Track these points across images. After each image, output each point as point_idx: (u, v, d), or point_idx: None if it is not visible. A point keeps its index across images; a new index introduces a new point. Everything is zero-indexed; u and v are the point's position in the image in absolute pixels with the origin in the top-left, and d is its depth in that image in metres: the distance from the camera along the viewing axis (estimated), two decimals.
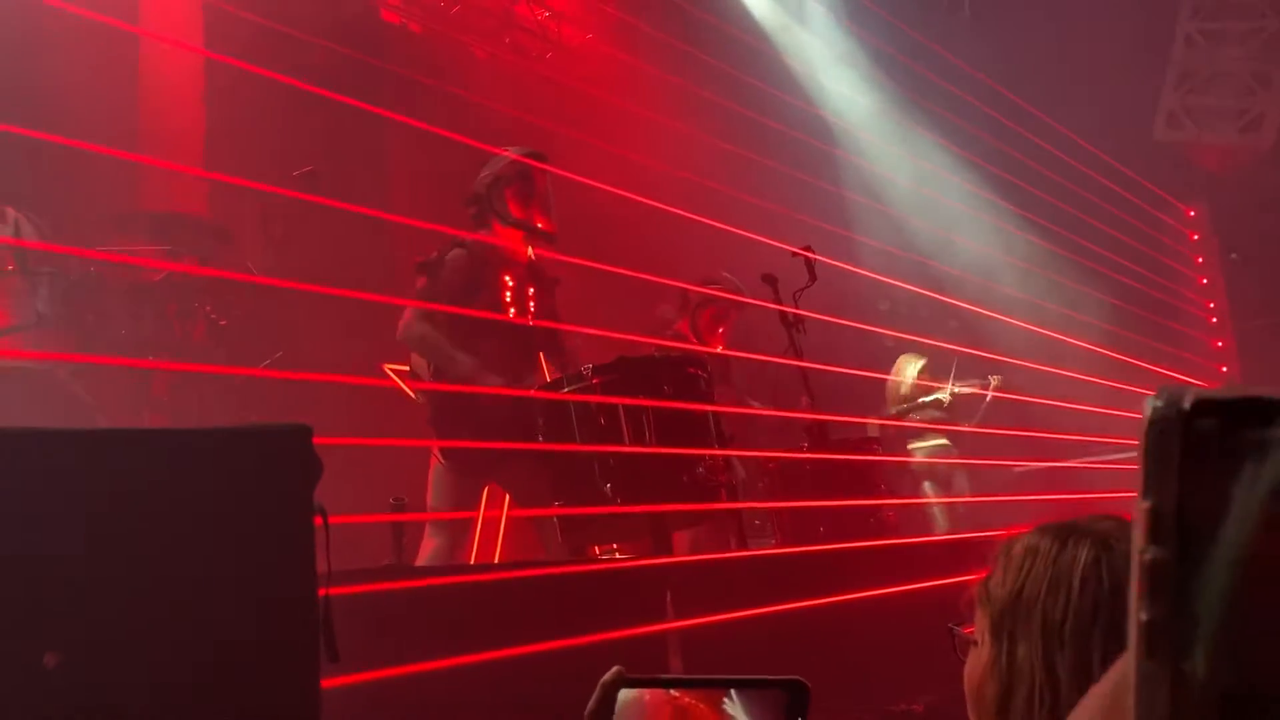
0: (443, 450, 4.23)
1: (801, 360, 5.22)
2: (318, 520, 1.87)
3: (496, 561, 4.84)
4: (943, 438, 6.72)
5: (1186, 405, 0.42)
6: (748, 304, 5.48)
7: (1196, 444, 0.42)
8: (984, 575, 1.23)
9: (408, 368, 4.57)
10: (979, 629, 1.22)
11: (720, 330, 5.58)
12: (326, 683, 1.85)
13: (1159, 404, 0.43)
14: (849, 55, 8.30)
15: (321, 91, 5.35)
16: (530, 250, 4.59)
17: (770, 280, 5.27)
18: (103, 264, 4.70)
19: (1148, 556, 0.42)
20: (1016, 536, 1.22)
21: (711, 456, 4.05)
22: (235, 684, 1.73)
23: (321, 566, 1.88)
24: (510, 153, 4.59)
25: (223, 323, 4.96)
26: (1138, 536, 0.43)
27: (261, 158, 5.74)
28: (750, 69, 7.53)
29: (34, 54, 5.31)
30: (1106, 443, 7.15)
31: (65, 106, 5.16)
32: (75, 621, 1.58)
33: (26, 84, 5.21)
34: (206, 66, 6.19)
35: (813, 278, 5.35)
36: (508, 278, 4.49)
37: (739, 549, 4.32)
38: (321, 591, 1.85)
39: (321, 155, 5.71)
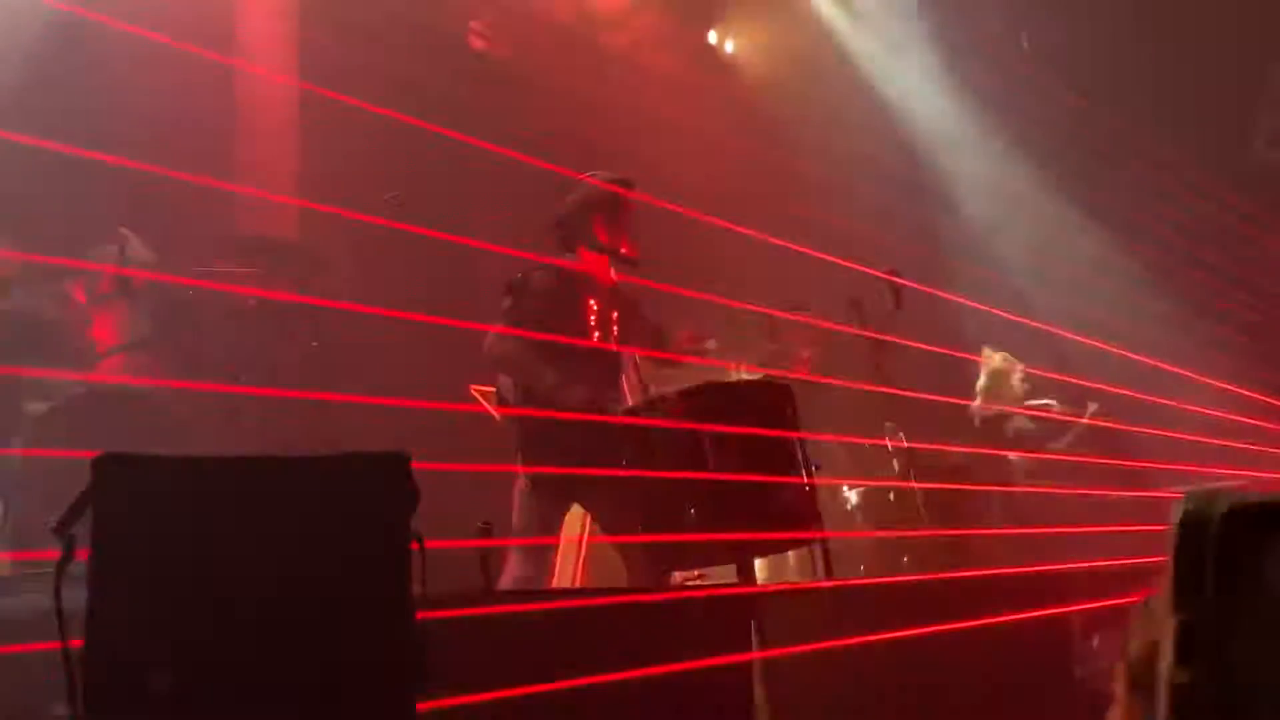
0: (528, 473, 4.25)
1: (888, 387, 5.15)
2: (414, 545, 1.89)
3: (578, 585, 4.86)
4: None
5: (1219, 511, 0.39)
6: (831, 329, 5.43)
7: (1230, 553, 0.39)
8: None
9: (494, 389, 4.61)
10: (1119, 687, 1.17)
11: (805, 356, 5.54)
12: (422, 706, 1.86)
13: (1190, 508, 0.40)
14: (936, 73, 8.20)
15: (409, 119, 5.47)
16: (613, 274, 4.60)
17: (856, 305, 5.22)
18: (201, 287, 4.84)
19: (1180, 681, 0.39)
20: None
21: (798, 483, 4.00)
22: (337, 705, 1.75)
23: (417, 591, 1.90)
24: (597, 179, 4.62)
25: (314, 344, 5.08)
26: (1167, 651, 0.40)
27: (353, 183, 5.86)
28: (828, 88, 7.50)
29: (136, 87, 5.52)
30: (1207, 473, 6.91)
31: (166, 135, 5.34)
32: (185, 640, 1.61)
33: (129, 116, 5.41)
34: (301, 97, 6.36)
35: (898, 302, 5.28)
36: (592, 302, 4.51)
37: (826, 578, 4.26)
38: (419, 615, 1.87)
39: (410, 180, 5.82)
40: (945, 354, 6.13)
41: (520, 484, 4.30)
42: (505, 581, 4.13)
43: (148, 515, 1.66)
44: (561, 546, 4.49)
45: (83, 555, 1.70)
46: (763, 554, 4.26)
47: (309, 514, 1.73)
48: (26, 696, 3.41)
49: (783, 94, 7.41)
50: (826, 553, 4.30)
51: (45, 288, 4.84)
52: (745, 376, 5.29)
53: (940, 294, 6.32)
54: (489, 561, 3.48)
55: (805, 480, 4.08)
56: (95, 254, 4.82)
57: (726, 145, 6.95)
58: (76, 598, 2.05)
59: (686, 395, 4.05)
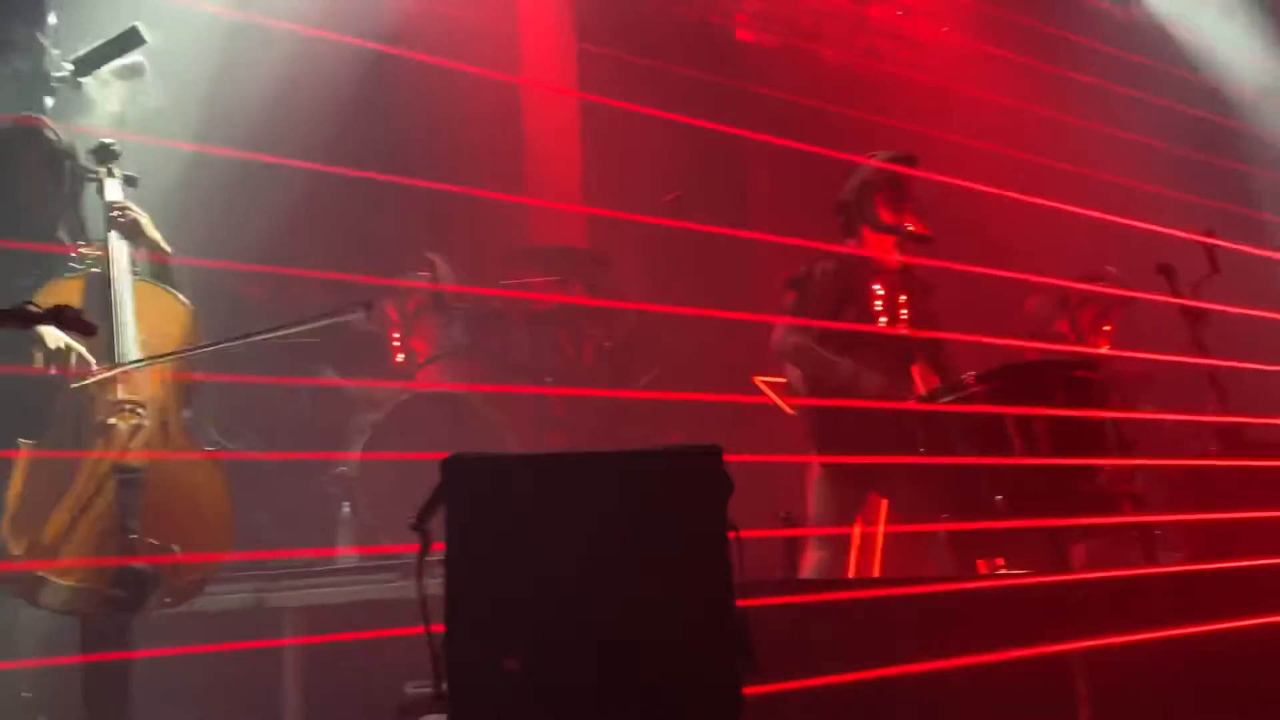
0: (822, 462, 4.25)
1: (1207, 357, 4.75)
2: (730, 535, 1.94)
3: (875, 574, 4.80)
4: None
5: None
6: (1135, 299, 5.06)
7: None
8: None
9: (783, 380, 4.63)
10: None
11: (1106, 329, 5.20)
12: (747, 691, 1.91)
13: None
14: (1249, 16, 7.45)
15: (684, 118, 5.58)
16: (899, 256, 4.50)
17: (1166, 271, 4.84)
18: (504, 297, 5.18)
19: None
20: None
21: (1113, 465, 3.78)
22: (665, 691, 1.83)
23: (735, 578, 1.95)
24: (877, 159, 4.54)
25: (607, 345, 5.31)
26: None
27: (634, 187, 6.07)
28: (1127, 43, 6.98)
29: (433, 116, 5.95)
30: None
31: (467, 159, 5.75)
32: (532, 628, 1.74)
33: (430, 143, 5.85)
34: (581, 106, 6.64)
35: (1215, 266, 4.85)
36: (877, 286, 4.43)
37: (1147, 564, 3.99)
38: (739, 603, 1.92)
39: (688, 179, 5.95)
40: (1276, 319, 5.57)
41: (815, 473, 4.30)
42: (804, 570, 4.14)
43: (493, 509, 1.81)
44: (858, 535, 4.45)
45: (438, 547, 1.87)
46: (1077, 540, 4.04)
47: (637, 505, 1.83)
48: (378, 676, 3.77)
49: (1076, 52, 6.96)
50: (1148, 537, 4.04)
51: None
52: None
53: (1266, 254, 5.75)
54: (793, 550, 3.51)
55: (1118, 461, 3.85)
56: (406, 275, 5.24)
57: (1014, 113, 6.63)
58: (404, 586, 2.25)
59: (986, 377, 3.91)
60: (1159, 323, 5.12)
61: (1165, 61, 7.26)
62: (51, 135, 3.39)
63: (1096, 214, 5.15)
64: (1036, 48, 6.92)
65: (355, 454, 4.42)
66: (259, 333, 3.29)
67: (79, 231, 3.40)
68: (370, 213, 5.46)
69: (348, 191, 5.02)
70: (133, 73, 4.28)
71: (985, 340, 4.59)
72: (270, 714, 3.81)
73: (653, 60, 6.32)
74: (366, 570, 4.08)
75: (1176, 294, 4.85)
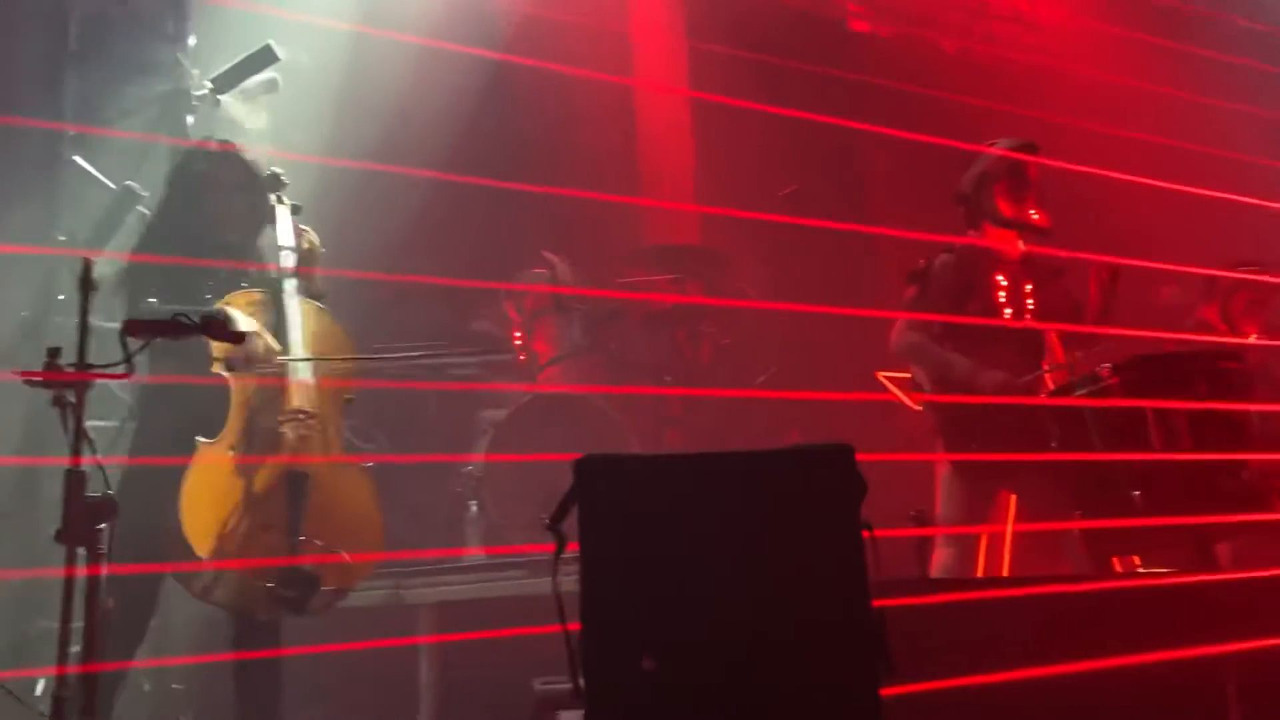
0: (951, 460, 4.16)
1: None
2: (865, 534, 1.92)
3: (1005, 573, 4.68)
4: None
5: None
6: None
7: None
8: None
9: (908, 375, 4.55)
10: None
11: (1259, 318, 4.95)
12: (884, 692, 1.89)
13: None
14: None
15: (798, 113, 5.54)
16: (1022, 245, 4.38)
17: None
18: (622, 298, 5.21)
19: None
20: None
21: (1260, 460, 3.60)
22: (801, 692, 1.81)
23: (872, 578, 1.93)
24: (997, 147, 4.42)
25: (725, 342, 5.30)
26: None
27: (748, 183, 6.04)
28: (1268, 15, 6.64)
29: (549, 121, 6.04)
30: None
31: (581, 161, 5.81)
32: (667, 628, 1.74)
33: (546, 147, 5.93)
34: (693, 104, 6.64)
35: None
36: (1000, 278, 4.32)
37: None
38: (875, 602, 1.90)
39: (802, 173, 5.89)
40: None
41: (944, 470, 4.21)
42: (933, 569, 4.07)
43: (626, 509, 1.82)
44: (988, 533, 4.34)
45: (573, 547, 1.90)
46: (1223, 538, 3.87)
47: (770, 505, 1.83)
48: (508, 672, 3.84)
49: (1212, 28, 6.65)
50: None
51: (486, 310, 5.42)
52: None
53: None
54: (924, 550, 3.45)
55: (1266, 456, 3.67)
56: (524, 276, 5.33)
57: (1144, 95, 6.38)
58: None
59: (1121, 369, 3.77)
60: None
61: None
62: (247, 159, 3.58)
63: (1237, 198, 4.93)
64: (1167, 26, 6.64)
65: (494, 456, 4.51)
66: (420, 355, 3.49)
67: (254, 251, 3.59)
68: (490, 217, 5.57)
69: (468, 196, 5.12)
70: (267, 89, 4.46)
71: (1121, 332, 4.43)
72: (408, 707, 3.92)
73: (764, 55, 6.27)
74: (495, 568, 4.17)
75: None
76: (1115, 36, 6.87)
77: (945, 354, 4.16)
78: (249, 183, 3.57)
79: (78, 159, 4.34)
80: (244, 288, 3.44)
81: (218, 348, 3.10)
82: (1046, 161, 4.43)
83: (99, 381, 2.32)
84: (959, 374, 4.10)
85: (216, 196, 3.54)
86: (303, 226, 3.58)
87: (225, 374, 3.16)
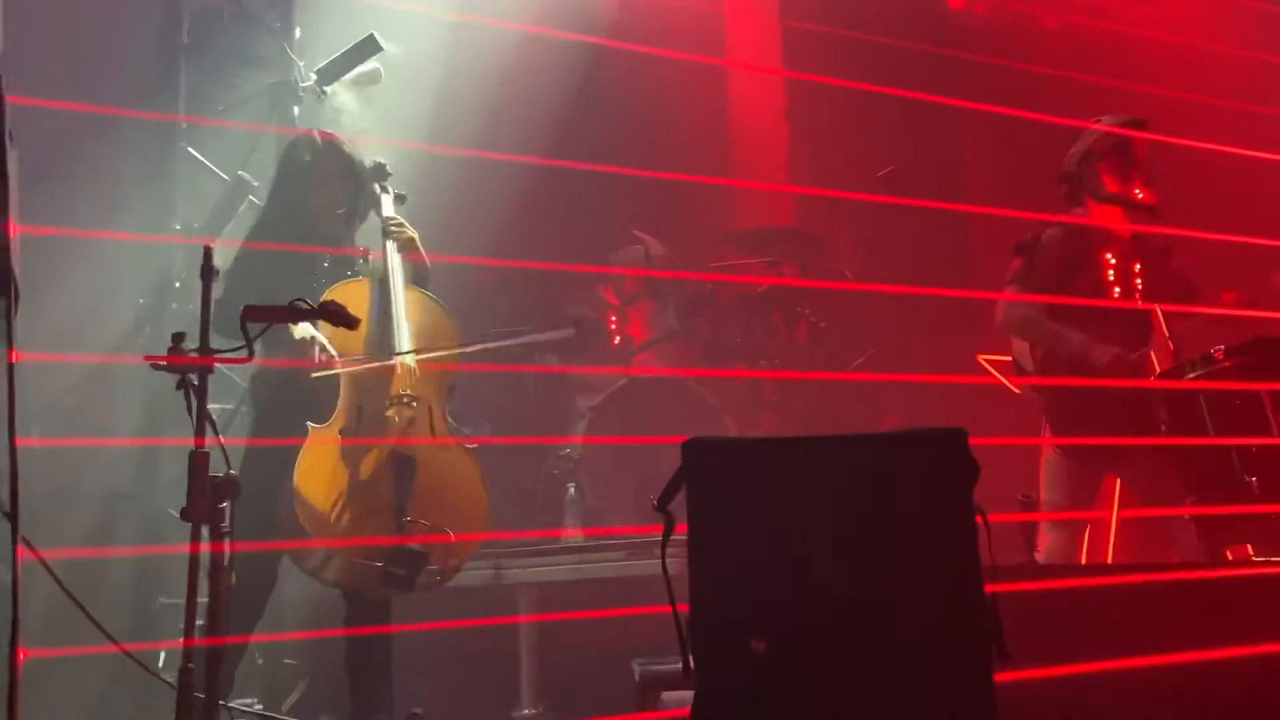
0: (1056, 443, 4.08)
1: None
2: (978, 519, 1.90)
3: (1110, 560, 4.57)
4: None
5: None
6: None
7: None
8: None
9: (1008, 358, 4.47)
10: None
11: None
12: (999, 677, 1.87)
13: None
14: None
15: (893, 91, 5.45)
16: (1130, 225, 4.26)
17: None
18: (716, 280, 5.20)
19: None
20: None
21: None
22: (915, 677, 1.80)
23: (985, 564, 1.91)
24: (1103, 124, 4.30)
25: (821, 325, 5.25)
26: None
27: (842, 163, 5.97)
28: None
29: (644, 105, 6.04)
30: None
31: (674, 144, 5.80)
32: (775, 610, 1.75)
33: (642, 131, 5.94)
34: (786, 84, 6.58)
35: None
36: (1109, 255, 4.21)
37: None
38: (988, 588, 1.87)
39: (898, 153, 5.81)
40: None
41: (1048, 454, 4.13)
42: (1041, 556, 3.99)
43: (733, 491, 1.83)
44: (1097, 521, 4.25)
45: (681, 529, 1.91)
46: None
47: (880, 488, 1.82)
48: (606, 652, 3.89)
49: None
50: None
51: (582, 293, 5.46)
52: None
53: None
54: (1031, 534, 3.40)
55: None
56: (618, 258, 5.34)
57: (1261, 64, 6.13)
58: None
59: (1236, 351, 3.65)
60: None
61: None
62: (349, 151, 3.67)
63: None
64: None
65: (592, 438, 4.57)
66: (494, 343, 3.55)
67: (359, 241, 3.69)
68: (586, 202, 5.60)
69: (566, 182, 5.16)
70: (371, 80, 4.55)
71: (1230, 313, 4.29)
72: (511, 686, 4.00)
73: (859, 33, 6.18)
74: (593, 549, 4.22)
75: None
76: (1225, 4, 6.62)
77: (1058, 327, 4.07)
78: (352, 172, 3.65)
79: (191, 150, 4.49)
80: (350, 276, 3.53)
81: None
82: (1154, 137, 4.30)
83: (216, 367, 2.41)
84: (1071, 348, 4.00)
85: (320, 187, 3.61)
86: (401, 220, 3.65)
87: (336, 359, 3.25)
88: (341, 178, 3.64)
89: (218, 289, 2.49)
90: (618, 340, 5.21)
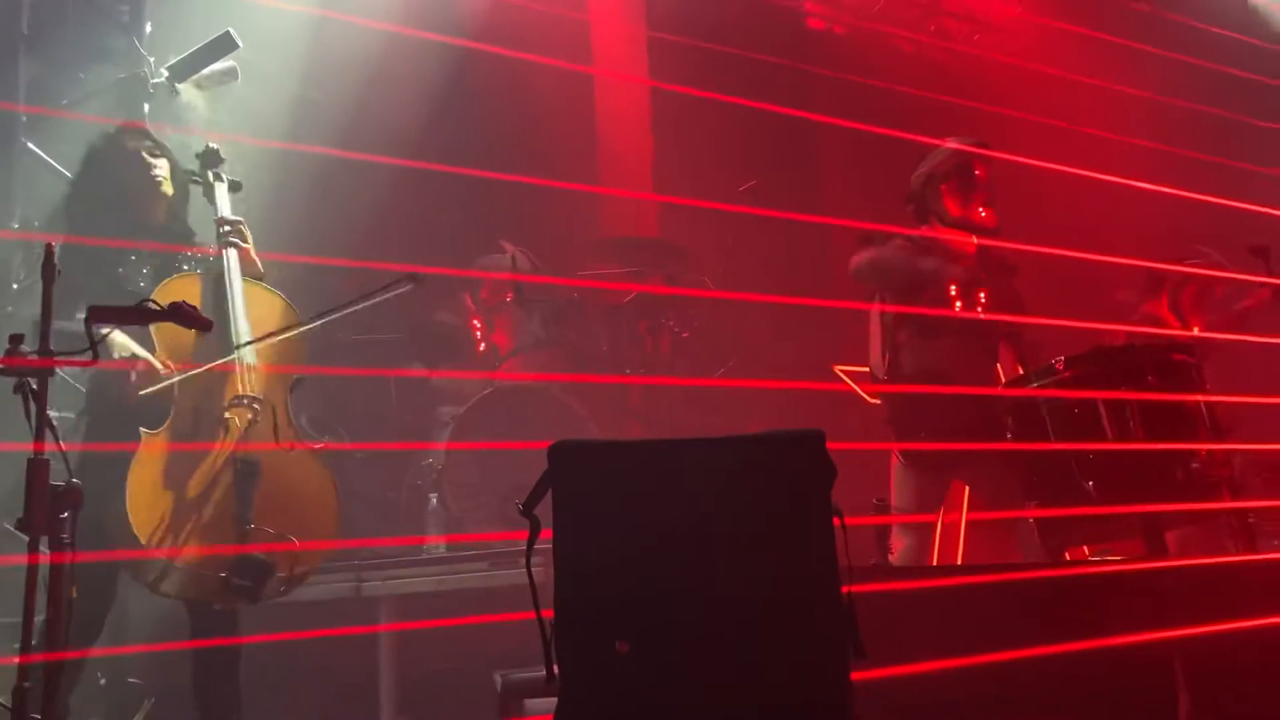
0: (901, 449, 4.21)
1: None
2: (836, 521, 1.95)
3: (960, 563, 4.75)
4: None
5: None
6: (1235, 280, 4.93)
7: None
8: None
9: (864, 369, 4.60)
10: None
11: (1206, 310, 5.06)
12: (855, 676, 1.92)
13: None
14: None
15: (756, 104, 5.56)
16: (976, 240, 4.44)
17: (1261, 252, 4.71)
18: (582, 288, 5.20)
19: None
20: None
21: (1209, 450, 3.69)
22: (775, 675, 1.84)
23: (842, 565, 1.96)
24: (948, 143, 4.47)
25: (684, 335, 5.31)
26: None
27: (706, 174, 6.06)
28: (1214, 17, 6.77)
29: (509, 109, 6.00)
30: None
31: (540, 151, 5.79)
32: (640, 612, 1.76)
33: (506, 137, 5.90)
34: (652, 95, 6.64)
35: None
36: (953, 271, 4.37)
37: (1244, 551, 3.90)
38: (845, 589, 1.92)
39: (761, 165, 5.92)
40: None
41: (895, 461, 4.27)
42: (892, 557, 4.11)
43: (599, 494, 1.83)
44: (941, 523, 4.40)
45: (546, 534, 1.91)
46: (1172, 527, 3.96)
47: (742, 489, 1.85)
48: (469, 663, 3.84)
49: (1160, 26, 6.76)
50: (1246, 524, 3.95)
51: (446, 301, 5.39)
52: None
53: None
54: (883, 537, 3.50)
55: (1214, 445, 3.76)
56: (483, 265, 5.29)
57: (1093, 89, 6.48)
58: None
59: (1075, 362, 3.84)
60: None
61: (1259, 35, 7.04)
62: (154, 136, 3.49)
63: (1185, 193, 5.03)
64: (1117, 24, 6.76)
65: (460, 444, 4.49)
66: (329, 311, 3.37)
67: (187, 233, 3.51)
68: (450, 206, 5.53)
69: (429, 185, 5.09)
70: (226, 77, 4.39)
71: (1071, 324, 4.51)
72: (369, 699, 3.90)
73: (723, 45, 6.29)
74: (457, 560, 4.16)
75: (1271, 275, 4.72)
76: (1064, 32, 6.98)
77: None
78: (156, 158, 3.46)
79: (31, 145, 4.25)
80: (182, 269, 3.36)
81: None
82: (997, 154, 4.48)
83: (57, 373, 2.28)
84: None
85: (126, 172, 3.42)
86: (238, 219, 3.48)
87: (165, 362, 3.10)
88: (144, 164, 3.43)
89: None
90: (483, 347, 5.16)
